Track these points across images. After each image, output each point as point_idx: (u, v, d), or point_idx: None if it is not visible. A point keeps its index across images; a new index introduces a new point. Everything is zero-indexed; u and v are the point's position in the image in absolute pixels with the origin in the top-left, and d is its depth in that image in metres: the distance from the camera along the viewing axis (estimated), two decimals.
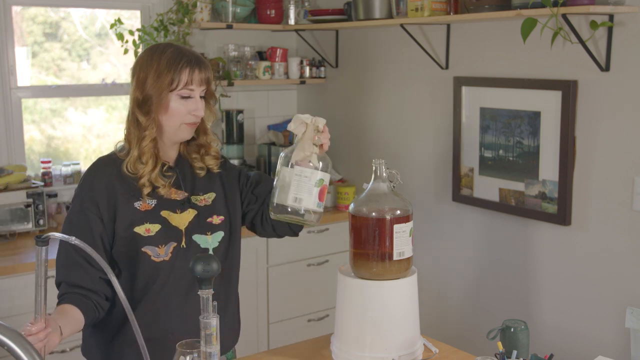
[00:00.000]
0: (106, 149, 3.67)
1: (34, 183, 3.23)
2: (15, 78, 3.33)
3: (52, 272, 3.03)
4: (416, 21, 3.05)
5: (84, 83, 3.60)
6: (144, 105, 1.73)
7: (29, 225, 3.17)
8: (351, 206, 1.83)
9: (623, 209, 2.57)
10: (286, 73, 3.89)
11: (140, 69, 1.74)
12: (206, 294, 1.43)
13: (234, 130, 3.70)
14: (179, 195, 1.80)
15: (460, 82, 3.11)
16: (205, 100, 1.81)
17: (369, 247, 1.77)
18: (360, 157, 3.75)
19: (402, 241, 1.77)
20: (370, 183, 1.83)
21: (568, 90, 2.66)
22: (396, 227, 1.76)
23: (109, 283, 1.74)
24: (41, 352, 1.49)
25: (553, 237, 2.81)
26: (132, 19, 3.67)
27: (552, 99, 2.72)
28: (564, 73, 2.70)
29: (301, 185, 1.62)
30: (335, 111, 3.91)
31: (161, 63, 1.72)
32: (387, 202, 1.80)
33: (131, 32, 3.49)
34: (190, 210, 1.81)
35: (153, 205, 1.76)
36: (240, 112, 3.73)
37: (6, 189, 3.12)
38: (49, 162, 3.43)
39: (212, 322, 1.42)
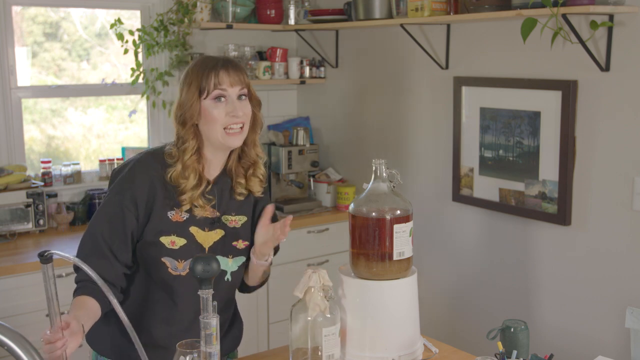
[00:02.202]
0: (106, 149, 3.68)
1: (34, 183, 3.23)
2: (15, 78, 3.33)
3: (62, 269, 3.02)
4: (416, 21, 3.05)
5: (84, 83, 3.60)
6: (179, 116, 1.73)
7: (29, 225, 3.17)
8: (351, 206, 1.83)
9: (623, 209, 2.57)
10: (286, 73, 3.89)
11: (180, 85, 1.76)
12: (206, 294, 1.43)
13: None
14: (211, 213, 1.78)
15: (460, 82, 3.11)
16: (254, 107, 1.78)
17: (369, 247, 1.78)
18: (360, 157, 3.75)
19: (402, 241, 1.77)
20: (370, 183, 1.83)
21: (568, 90, 2.66)
22: (396, 227, 1.76)
23: (128, 277, 1.76)
24: (64, 356, 1.49)
25: (553, 237, 2.81)
26: (132, 19, 3.67)
27: (552, 99, 2.72)
28: (564, 73, 2.70)
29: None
30: (335, 111, 3.91)
31: (191, 73, 1.73)
32: (387, 202, 1.80)
33: (131, 32, 3.49)
34: (218, 230, 1.79)
35: (185, 218, 1.75)
36: None
37: (6, 189, 3.12)
38: (49, 162, 3.43)
39: (212, 322, 1.43)
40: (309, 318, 1.70)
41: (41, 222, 3.19)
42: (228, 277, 1.82)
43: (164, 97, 3.64)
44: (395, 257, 1.77)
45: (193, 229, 1.76)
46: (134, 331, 1.38)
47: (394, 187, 1.83)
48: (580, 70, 2.64)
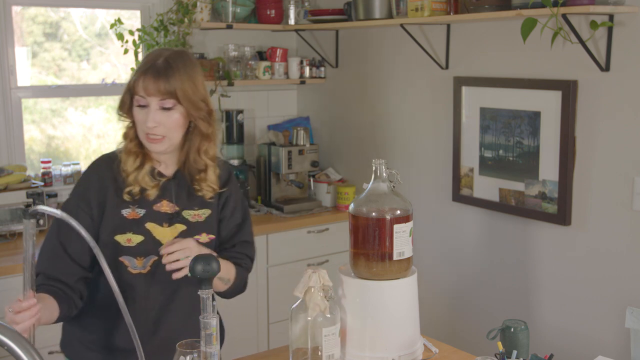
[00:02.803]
0: (106, 149, 3.68)
1: (34, 183, 3.23)
2: (15, 78, 3.33)
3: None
4: (416, 21, 3.05)
5: (84, 83, 3.60)
6: (120, 104, 1.75)
7: None
8: (351, 206, 1.83)
9: (623, 209, 2.57)
10: (286, 73, 3.89)
11: None
12: (206, 294, 1.43)
13: (234, 130, 3.70)
14: (170, 208, 1.77)
15: (460, 82, 3.11)
16: (190, 119, 1.73)
17: (369, 247, 1.78)
18: (360, 157, 3.75)
19: (402, 241, 1.77)
20: (370, 183, 1.83)
21: (568, 90, 2.66)
22: (396, 227, 1.76)
23: (87, 283, 1.74)
24: (33, 329, 1.47)
25: (553, 237, 2.81)
26: (132, 19, 3.67)
27: (552, 99, 2.72)
28: (564, 73, 2.70)
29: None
30: (335, 111, 3.91)
31: (140, 63, 1.74)
32: (387, 202, 1.80)
33: (131, 32, 3.49)
34: (177, 225, 1.77)
35: (141, 215, 1.73)
36: (240, 112, 3.72)
37: (6, 189, 3.12)
38: (49, 162, 3.43)
39: (212, 322, 1.43)
40: (309, 318, 1.70)
41: (41, 222, 3.19)
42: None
43: None
44: (395, 257, 1.77)
45: (150, 225, 1.74)
46: (134, 330, 1.37)
47: (394, 187, 1.83)
48: (580, 70, 2.64)
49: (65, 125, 3.60)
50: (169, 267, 1.64)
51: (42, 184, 3.31)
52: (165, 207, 1.77)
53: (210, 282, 1.44)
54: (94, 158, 3.95)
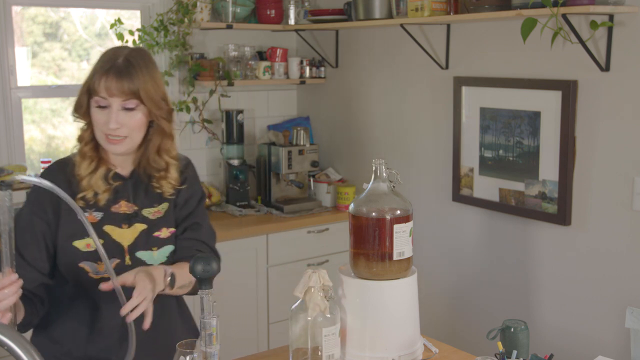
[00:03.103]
0: None
1: None
2: (15, 78, 3.33)
3: None
4: (416, 21, 3.05)
5: None
6: (76, 105, 1.69)
7: None
8: (351, 206, 1.83)
9: (623, 209, 2.57)
10: (286, 73, 3.89)
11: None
12: (206, 293, 1.43)
13: (234, 130, 3.70)
14: (128, 208, 1.73)
15: (460, 82, 3.11)
16: (152, 118, 1.70)
17: (369, 247, 1.78)
18: (360, 157, 3.75)
19: (402, 241, 1.77)
20: (370, 183, 1.83)
21: (568, 90, 2.66)
22: (396, 227, 1.76)
23: (47, 290, 1.70)
24: (14, 308, 1.45)
25: (553, 237, 2.81)
26: (132, 19, 3.67)
27: (552, 99, 2.72)
28: (564, 73, 2.70)
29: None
30: (335, 111, 3.91)
31: (97, 62, 1.66)
32: (387, 202, 1.80)
33: (131, 32, 3.49)
34: (137, 225, 1.73)
35: (99, 218, 1.69)
36: (240, 112, 3.73)
37: None
38: (49, 162, 3.43)
39: (212, 322, 1.43)
40: (309, 318, 1.70)
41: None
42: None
43: None
44: (395, 257, 1.77)
45: (108, 228, 1.70)
46: (133, 330, 1.36)
47: (394, 187, 1.83)
48: (580, 70, 2.64)
49: (65, 125, 3.60)
50: (131, 318, 1.53)
51: None
52: (124, 207, 1.73)
53: (210, 282, 1.44)
54: None
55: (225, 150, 3.71)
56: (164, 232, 1.77)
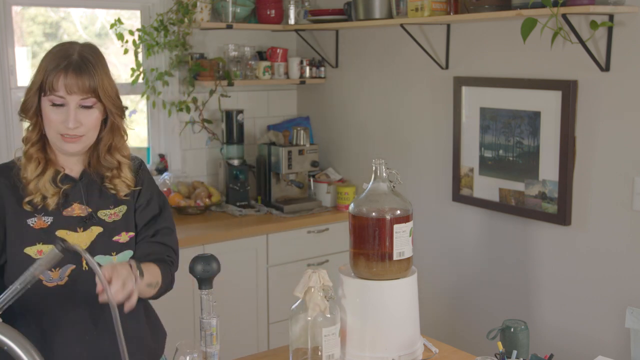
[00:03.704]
0: None
1: None
2: (15, 78, 3.33)
3: None
4: (416, 21, 3.05)
5: None
6: (25, 106, 1.61)
7: None
8: (351, 206, 1.83)
9: (623, 209, 2.57)
10: (286, 73, 3.89)
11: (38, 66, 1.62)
12: (206, 294, 1.43)
13: (234, 130, 3.70)
14: (82, 211, 1.65)
15: (460, 82, 3.11)
16: (107, 114, 1.65)
17: (369, 247, 1.78)
18: (360, 157, 3.75)
19: (402, 241, 1.78)
20: (370, 183, 1.83)
21: (568, 90, 2.66)
22: (396, 227, 1.76)
23: None
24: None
25: (553, 237, 2.81)
26: (132, 19, 3.67)
27: (552, 99, 2.72)
28: (564, 73, 2.70)
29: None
30: (335, 111, 3.91)
31: (44, 60, 1.60)
32: (387, 202, 1.80)
33: (131, 32, 3.49)
34: (93, 228, 1.65)
35: (49, 223, 1.60)
36: (240, 112, 3.73)
37: None
38: None
39: (212, 322, 1.43)
40: (309, 318, 1.70)
41: None
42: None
43: (164, 97, 3.64)
44: (395, 257, 1.77)
45: (61, 232, 1.61)
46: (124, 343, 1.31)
47: (394, 187, 1.83)
48: (580, 70, 2.64)
49: None
50: (126, 305, 1.46)
51: None
52: (77, 210, 1.65)
53: (211, 282, 1.44)
54: None
55: (225, 150, 3.71)
56: (124, 237, 1.70)
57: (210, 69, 3.59)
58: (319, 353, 1.71)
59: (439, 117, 3.27)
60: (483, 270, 3.13)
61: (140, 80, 3.55)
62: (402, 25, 3.16)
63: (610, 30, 2.51)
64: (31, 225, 1.59)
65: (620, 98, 2.54)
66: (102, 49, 1.71)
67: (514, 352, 1.73)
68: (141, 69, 3.54)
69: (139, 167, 1.78)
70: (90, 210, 1.66)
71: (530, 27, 2.48)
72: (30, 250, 1.58)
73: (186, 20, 3.47)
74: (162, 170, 3.69)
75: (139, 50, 3.51)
